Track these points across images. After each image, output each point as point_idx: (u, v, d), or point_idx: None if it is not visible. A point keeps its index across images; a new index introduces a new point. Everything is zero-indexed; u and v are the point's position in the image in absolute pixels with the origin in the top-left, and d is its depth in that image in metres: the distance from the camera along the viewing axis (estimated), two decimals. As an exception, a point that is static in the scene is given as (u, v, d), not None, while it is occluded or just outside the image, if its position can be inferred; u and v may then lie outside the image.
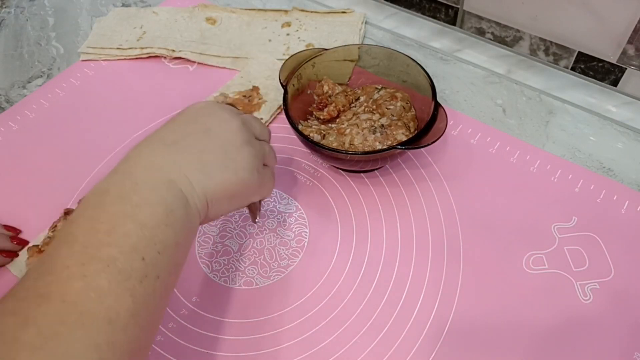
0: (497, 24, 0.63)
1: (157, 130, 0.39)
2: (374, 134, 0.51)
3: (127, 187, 0.34)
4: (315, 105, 0.55)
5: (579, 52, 0.59)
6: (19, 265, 0.49)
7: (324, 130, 0.53)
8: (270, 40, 0.67)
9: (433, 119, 0.49)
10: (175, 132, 0.38)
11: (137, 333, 0.30)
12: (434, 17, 0.68)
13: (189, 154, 0.37)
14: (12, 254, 0.50)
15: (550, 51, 0.61)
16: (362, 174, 0.54)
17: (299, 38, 0.67)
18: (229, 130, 0.39)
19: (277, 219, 0.51)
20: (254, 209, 0.47)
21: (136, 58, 0.67)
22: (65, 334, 0.27)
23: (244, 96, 0.61)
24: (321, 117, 0.54)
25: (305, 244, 0.49)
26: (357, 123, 0.52)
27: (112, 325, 0.29)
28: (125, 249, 0.31)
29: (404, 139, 0.50)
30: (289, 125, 0.50)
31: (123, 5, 0.75)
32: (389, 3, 0.71)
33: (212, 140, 0.38)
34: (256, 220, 0.47)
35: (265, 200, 0.52)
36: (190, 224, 0.36)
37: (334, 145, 0.51)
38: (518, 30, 0.62)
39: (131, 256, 0.31)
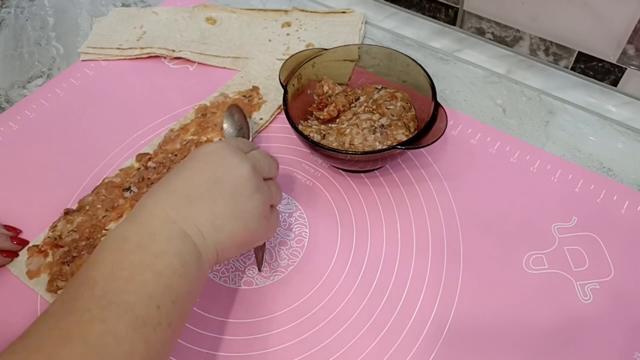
0: (497, 24, 0.63)
1: (170, 176, 0.40)
2: (374, 134, 0.51)
3: (145, 238, 0.36)
4: (315, 105, 0.55)
5: (579, 52, 0.59)
6: (19, 265, 0.49)
7: (324, 130, 0.53)
8: (270, 40, 0.67)
9: (433, 119, 0.49)
10: (187, 183, 0.39)
11: None
12: (434, 17, 0.68)
13: (201, 206, 0.38)
14: (12, 254, 0.50)
15: (550, 51, 0.61)
16: (362, 174, 0.54)
17: (299, 38, 0.67)
18: (239, 179, 0.40)
19: (277, 219, 0.51)
20: (260, 254, 0.48)
21: (136, 58, 0.67)
22: None
23: (244, 96, 0.61)
24: (321, 117, 0.54)
25: (305, 244, 0.49)
26: (357, 123, 0.52)
27: None
28: (142, 297, 0.33)
29: (404, 139, 0.50)
30: (289, 125, 0.50)
31: (123, 5, 0.75)
32: (389, 3, 0.71)
33: (223, 191, 0.39)
34: (261, 268, 0.47)
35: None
36: (202, 275, 0.38)
37: (334, 145, 0.51)
38: (518, 30, 0.62)
39: (148, 304, 0.33)
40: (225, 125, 0.56)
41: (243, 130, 0.55)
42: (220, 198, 0.39)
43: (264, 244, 0.48)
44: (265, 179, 0.43)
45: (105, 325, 0.31)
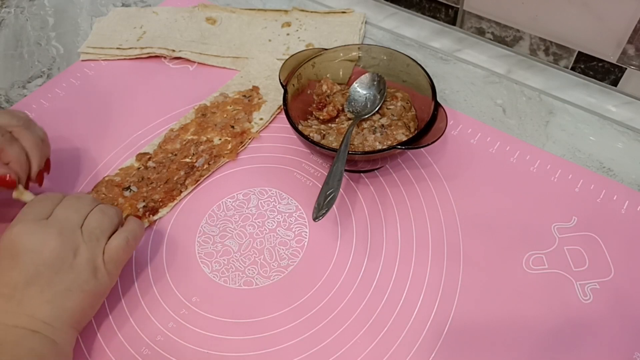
0: (497, 24, 0.63)
1: None
2: (374, 134, 0.51)
3: None
4: (315, 105, 0.55)
5: (579, 52, 0.59)
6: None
7: (324, 130, 0.53)
8: (270, 40, 0.67)
9: (433, 119, 0.49)
10: (6, 283, 0.38)
11: None
12: (434, 17, 0.68)
13: (31, 300, 0.38)
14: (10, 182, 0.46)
15: (550, 51, 0.61)
16: (362, 174, 0.54)
17: (299, 38, 0.67)
18: (50, 256, 0.39)
19: (277, 219, 0.51)
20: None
21: (136, 58, 0.67)
22: None
23: (244, 96, 0.61)
24: (321, 117, 0.54)
25: (305, 244, 0.49)
26: (357, 123, 0.52)
27: None
28: None
29: (404, 139, 0.50)
30: (289, 125, 0.50)
31: (123, 5, 0.75)
32: (389, 3, 0.71)
33: (43, 274, 0.39)
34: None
35: (265, 200, 0.52)
36: (64, 355, 0.39)
37: (334, 145, 0.51)
38: (518, 30, 0.62)
39: None
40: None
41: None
42: (44, 282, 0.39)
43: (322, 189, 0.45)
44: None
45: None
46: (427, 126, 0.48)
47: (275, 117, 0.60)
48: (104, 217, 0.43)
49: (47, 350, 0.37)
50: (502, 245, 0.48)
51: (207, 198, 0.53)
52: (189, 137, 0.57)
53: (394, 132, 0.51)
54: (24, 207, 0.43)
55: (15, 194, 0.46)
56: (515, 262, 0.47)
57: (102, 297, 0.43)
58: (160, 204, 0.52)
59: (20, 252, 0.39)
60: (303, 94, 0.55)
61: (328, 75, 0.56)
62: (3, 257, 0.40)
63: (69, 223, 0.41)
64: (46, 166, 0.50)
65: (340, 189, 0.53)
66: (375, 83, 0.54)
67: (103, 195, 0.53)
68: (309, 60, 0.55)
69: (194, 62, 0.66)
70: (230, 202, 0.53)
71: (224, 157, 0.56)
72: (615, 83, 0.59)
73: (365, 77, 0.55)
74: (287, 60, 0.54)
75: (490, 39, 0.65)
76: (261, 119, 0.59)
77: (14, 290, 0.38)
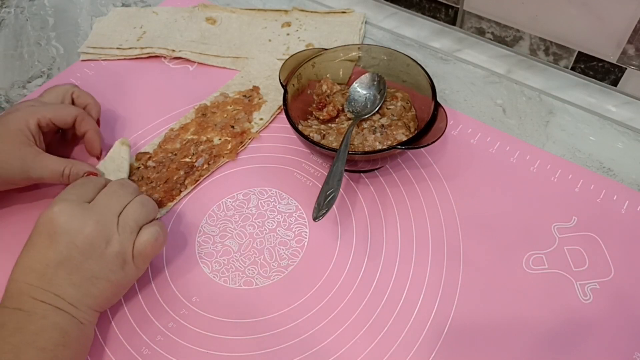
0: (497, 24, 0.63)
1: (22, 256, 0.41)
2: (374, 134, 0.51)
3: (22, 319, 0.38)
4: (315, 105, 0.55)
5: (579, 52, 0.59)
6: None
7: (324, 130, 0.53)
8: (270, 40, 0.67)
9: (433, 119, 0.49)
10: (38, 261, 0.40)
11: None
12: (434, 17, 0.68)
13: (60, 281, 0.40)
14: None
15: (550, 51, 0.61)
16: (362, 174, 0.54)
17: (299, 38, 0.67)
18: (84, 242, 0.40)
19: (277, 219, 0.51)
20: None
21: (136, 58, 0.67)
22: None
23: (244, 96, 0.61)
24: (321, 117, 0.54)
25: (305, 244, 0.49)
26: (357, 123, 0.52)
27: None
28: None
29: (404, 139, 0.50)
30: (289, 125, 0.50)
31: (123, 5, 0.75)
32: (389, 3, 0.71)
33: (74, 258, 0.40)
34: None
35: (265, 200, 0.52)
36: (86, 337, 0.41)
37: (334, 145, 0.51)
38: (518, 30, 0.62)
39: None
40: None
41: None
42: (74, 266, 0.40)
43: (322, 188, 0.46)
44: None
45: None
46: (427, 126, 0.48)
47: (275, 117, 0.60)
48: (142, 210, 0.44)
49: (71, 327, 0.39)
50: (502, 245, 0.48)
51: (207, 198, 0.53)
52: (189, 137, 0.57)
53: (394, 132, 0.51)
54: (68, 186, 0.44)
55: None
56: (515, 262, 0.47)
57: (127, 288, 0.44)
58: (160, 204, 0.52)
59: (57, 232, 0.40)
60: (303, 94, 0.55)
61: (328, 75, 0.56)
62: (41, 233, 0.40)
63: (109, 211, 0.42)
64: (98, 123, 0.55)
65: (340, 189, 0.53)
66: (375, 83, 0.54)
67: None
68: (309, 60, 0.55)
69: (194, 62, 0.66)
70: (230, 202, 0.53)
71: (223, 157, 0.56)
72: (615, 83, 0.59)
73: (365, 77, 0.55)
74: (287, 60, 0.54)
75: (490, 39, 0.65)
76: (261, 119, 0.59)
77: (46, 267, 0.39)
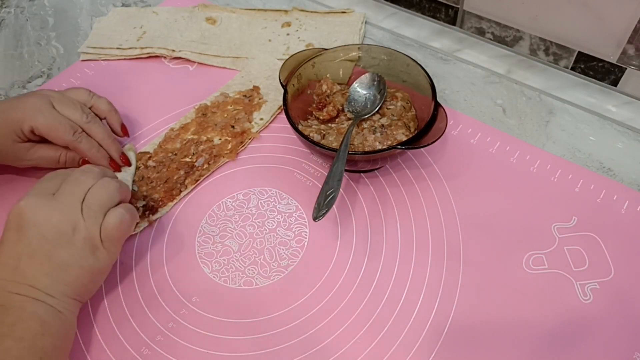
0: (497, 23, 0.63)
1: None
2: (374, 134, 0.51)
3: None
4: (315, 105, 0.55)
5: (579, 52, 0.59)
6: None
7: (324, 130, 0.53)
8: (270, 40, 0.67)
9: (433, 119, 0.49)
10: (10, 254, 0.40)
11: None
12: (434, 17, 0.68)
13: (33, 271, 0.40)
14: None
15: (550, 51, 0.61)
16: (362, 174, 0.54)
17: (299, 38, 0.67)
18: (51, 231, 0.41)
19: (277, 219, 0.51)
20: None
21: (136, 58, 0.67)
22: None
23: (245, 96, 0.61)
24: (321, 117, 0.54)
25: (305, 244, 0.49)
26: (357, 123, 0.52)
27: None
28: None
29: (404, 139, 0.50)
30: (289, 125, 0.50)
31: (123, 5, 0.75)
32: (389, 3, 0.71)
33: (43, 248, 0.40)
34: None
35: (265, 200, 0.52)
36: (66, 326, 0.40)
37: (334, 145, 0.51)
38: (518, 30, 0.62)
39: None
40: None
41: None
42: (44, 256, 0.40)
43: (321, 190, 0.46)
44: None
45: None
46: (427, 126, 0.48)
47: (275, 117, 0.60)
48: (104, 193, 0.44)
49: (49, 317, 0.39)
50: (502, 245, 0.48)
51: (207, 198, 0.53)
52: (189, 137, 0.57)
53: (394, 132, 0.51)
54: (37, 182, 0.45)
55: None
56: (515, 262, 0.47)
57: (103, 274, 0.44)
58: (160, 204, 0.52)
59: (25, 225, 0.40)
60: (303, 94, 0.55)
61: (328, 75, 0.56)
62: (10, 229, 0.41)
63: (72, 198, 0.42)
64: (123, 129, 0.55)
65: (340, 189, 0.53)
66: (375, 83, 0.54)
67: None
68: (309, 60, 0.55)
69: (194, 62, 0.66)
70: (230, 202, 0.53)
71: (223, 157, 0.56)
72: (615, 83, 0.59)
73: (365, 77, 0.55)
74: (287, 60, 0.54)
75: (490, 39, 0.65)
76: (261, 119, 0.59)
77: (18, 261, 0.40)
